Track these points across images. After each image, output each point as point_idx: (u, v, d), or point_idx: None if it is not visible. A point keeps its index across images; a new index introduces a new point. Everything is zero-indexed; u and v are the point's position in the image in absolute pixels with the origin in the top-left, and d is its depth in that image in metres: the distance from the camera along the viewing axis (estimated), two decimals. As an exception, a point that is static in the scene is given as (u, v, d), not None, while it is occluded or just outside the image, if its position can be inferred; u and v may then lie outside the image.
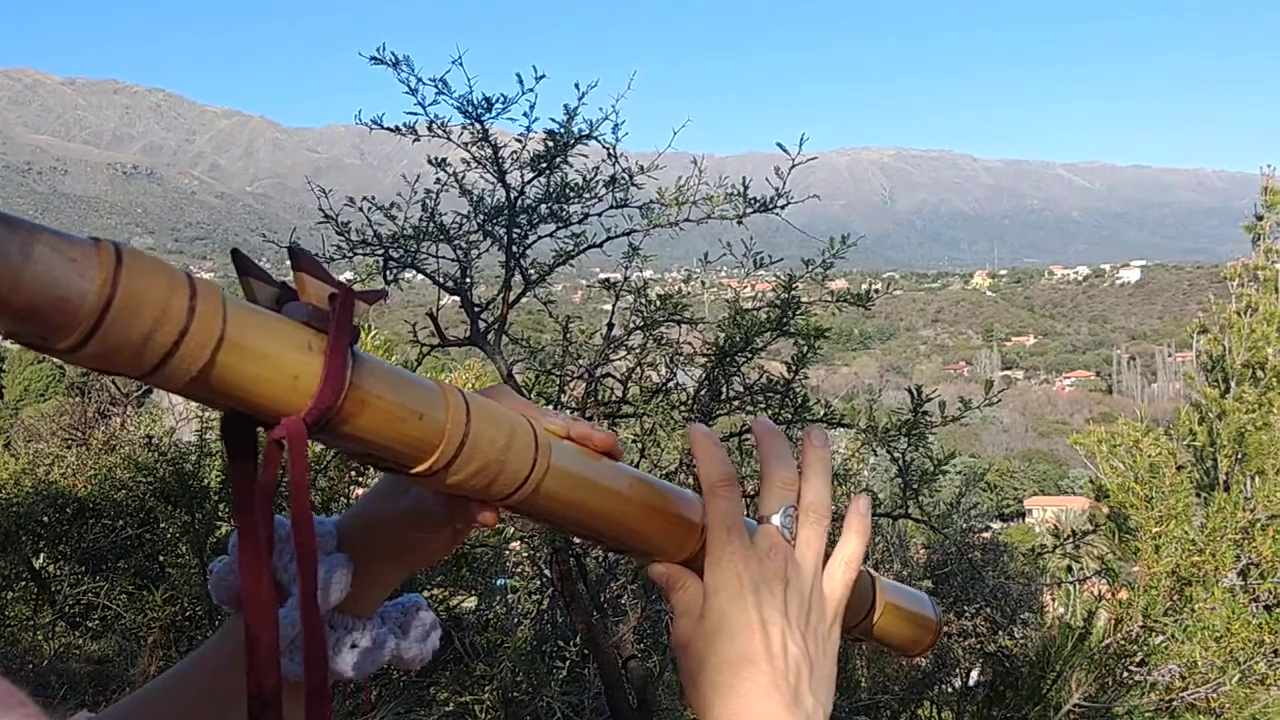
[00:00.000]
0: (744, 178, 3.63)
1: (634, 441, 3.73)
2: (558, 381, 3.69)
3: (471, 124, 3.58)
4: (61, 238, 0.44)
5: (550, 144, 3.56)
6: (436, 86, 3.51)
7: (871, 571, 0.82)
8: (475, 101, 3.52)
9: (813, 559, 0.71)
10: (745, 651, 0.65)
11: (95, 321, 0.44)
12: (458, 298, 3.68)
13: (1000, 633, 4.37)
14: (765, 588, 0.67)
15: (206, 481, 5.39)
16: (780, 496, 0.72)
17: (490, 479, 0.61)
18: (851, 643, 0.86)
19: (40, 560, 5.72)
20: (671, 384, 3.71)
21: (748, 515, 0.72)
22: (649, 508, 0.70)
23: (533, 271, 3.71)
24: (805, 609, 0.69)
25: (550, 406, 3.64)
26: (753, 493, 0.82)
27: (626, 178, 3.62)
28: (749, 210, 3.59)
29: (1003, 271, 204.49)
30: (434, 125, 3.59)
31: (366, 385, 0.54)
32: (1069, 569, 4.88)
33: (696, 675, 0.66)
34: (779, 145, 3.53)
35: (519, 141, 3.59)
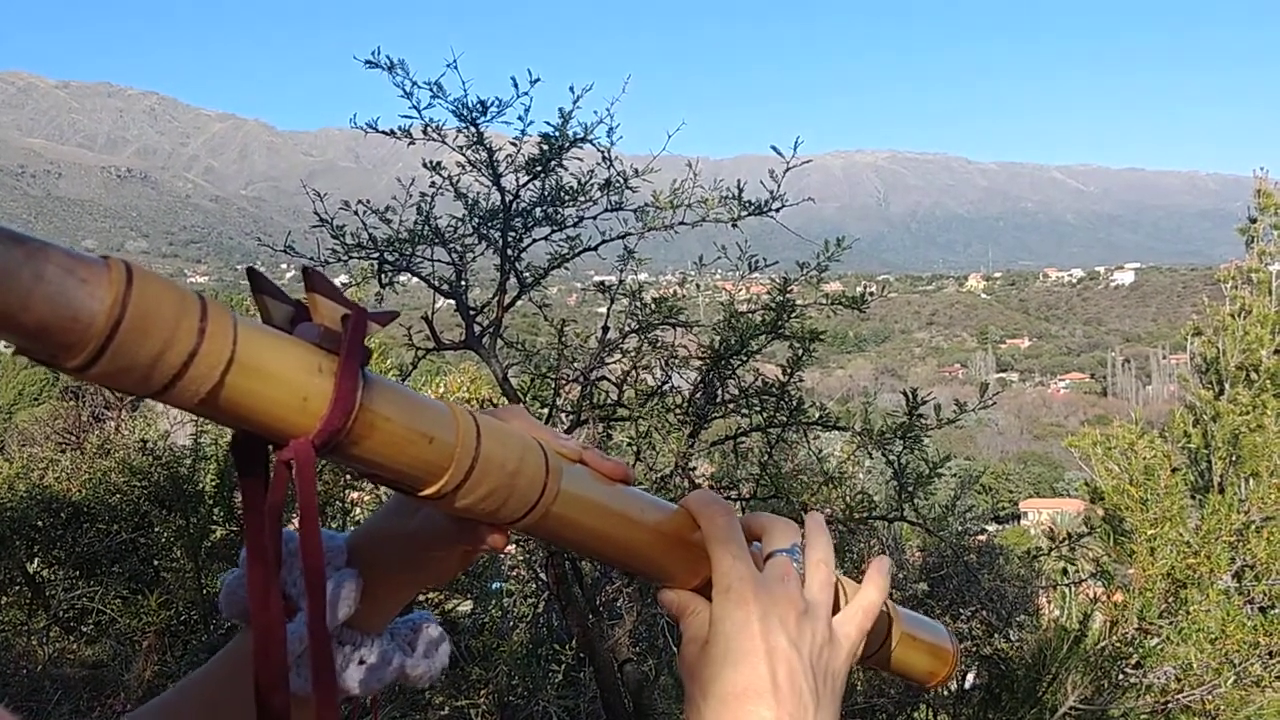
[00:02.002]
0: (739, 180, 3.63)
1: (629, 445, 3.73)
2: (553, 385, 3.69)
3: (466, 127, 3.57)
4: (72, 257, 0.44)
5: (545, 147, 3.56)
6: (431, 90, 3.51)
7: (888, 601, 0.80)
8: (470, 105, 3.52)
9: (822, 594, 0.69)
10: (751, 683, 0.63)
11: (104, 341, 0.44)
12: (453, 301, 3.68)
13: (996, 635, 4.37)
14: (775, 615, 0.65)
15: (201, 485, 5.37)
16: (786, 535, 0.71)
17: (500, 502, 0.61)
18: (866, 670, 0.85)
19: (34, 565, 5.70)
20: (666, 387, 3.71)
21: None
22: (660, 533, 0.69)
23: (528, 275, 3.71)
24: (816, 642, 0.67)
25: (545, 410, 3.64)
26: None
27: (621, 181, 3.62)
28: (744, 213, 3.59)
29: (997, 274, 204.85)
30: (429, 129, 3.59)
31: (376, 408, 0.54)
32: (1064, 571, 4.88)
33: (700, 705, 0.65)
34: (773, 148, 3.52)
35: (514, 145, 3.59)
